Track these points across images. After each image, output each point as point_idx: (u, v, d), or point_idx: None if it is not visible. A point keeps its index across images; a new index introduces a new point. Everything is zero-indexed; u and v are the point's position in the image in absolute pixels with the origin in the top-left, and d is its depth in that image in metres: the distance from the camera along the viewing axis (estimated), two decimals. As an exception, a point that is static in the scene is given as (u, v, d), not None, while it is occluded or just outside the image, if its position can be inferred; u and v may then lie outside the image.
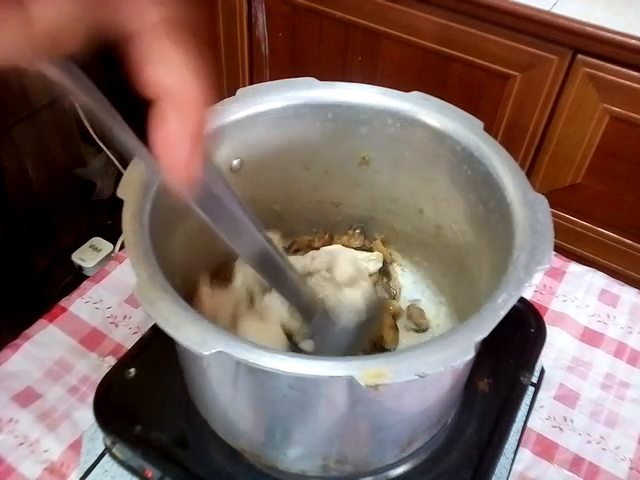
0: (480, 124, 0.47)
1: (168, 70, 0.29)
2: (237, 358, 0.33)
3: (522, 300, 0.58)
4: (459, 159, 0.47)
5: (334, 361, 0.34)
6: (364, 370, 0.32)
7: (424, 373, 0.32)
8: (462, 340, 0.34)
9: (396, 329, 0.55)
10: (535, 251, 0.39)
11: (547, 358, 0.63)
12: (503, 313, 0.35)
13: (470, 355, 0.34)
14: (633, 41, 0.86)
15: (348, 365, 0.33)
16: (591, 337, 0.66)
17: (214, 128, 0.47)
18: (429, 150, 0.49)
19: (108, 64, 0.28)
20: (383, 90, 0.50)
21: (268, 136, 0.50)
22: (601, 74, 0.92)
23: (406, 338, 0.56)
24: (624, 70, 0.90)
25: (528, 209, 0.41)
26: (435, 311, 0.58)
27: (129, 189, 0.41)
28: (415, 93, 0.49)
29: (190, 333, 0.33)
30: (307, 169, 0.55)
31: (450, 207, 0.51)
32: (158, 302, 0.35)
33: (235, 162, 0.50)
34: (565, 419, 0.59)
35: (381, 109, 0.49)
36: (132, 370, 0.52)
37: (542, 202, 0.42)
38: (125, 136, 0.28)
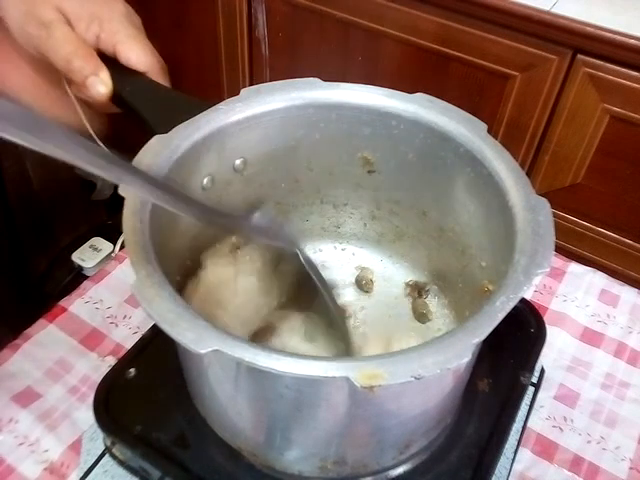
0: (484, 127, 0.47)
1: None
2: (233, 357, 0.33)
3: (522, 300, 0.58)
4: (462, 162, 0.47)
5: (330, 361, 0.34)
6: (360, 371, 0.32)
7: (420, 375, 0.32)
8: (459, 342, 0.34)
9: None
10: (536, 254, 0.39)
11: (547, 358, 0.63)
12: (501, 316, 0.35)
13: (467, 358, 0.33)
14: (633, 41, 0.86)
15: (344, 366, 0.33)
16: (591, 337, 0.66)
17: (217, 127, 0.47)
18: (432, 152, 0.49)
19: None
20: (387, 91, 0.50)
21: (271, 136, 0.50)
22: (601, 74, 0.92)
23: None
24: (624, 70, 0.90)
25: (530, 212, 0.41)
26: (437, 313, 0.58)
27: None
28: (419, 95, 0.49)
29: (187, 331, 0.33)
30: (310, 170, 0.55)
31: (453, 210, 0.51)
32: (156, 299, 0.35)
33: (238, 162, 0.50)
34: (565, 419, 0.59)
35: (385, 110, 0.49)
36: (132, 370, 0.52)
37: (544, 205, 0.42)
38: None
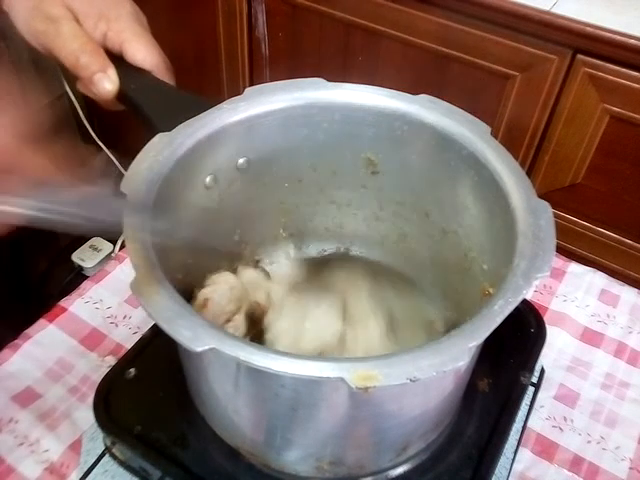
0: (487, 129, 0.47)
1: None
2: (229, 355, 0.33)
3: (522, 300, 0.58)
4: (465, 164, 0.47)
5: (326, 362, 0.33)
6: (355, 372, 0.32)
7: (415, 377, 0.32)
8: (456, 345, 0.34)
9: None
10: (536, 258, 0.38)
11: (547, 358, 0.63)
12: (499, 320, 0.35)
13: (463, 361, 0.33)
14: (633, 41, 0.86)
15: (339, 366, 0.33)
16: (591, 337, 0.66)
17: (221, 126, 0.47)
18: (435, 154, 0.49)
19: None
20: (390, 92, 0.49)
21: (275, 136, 0.50)
22: (601, 74, 0.92)
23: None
24: (624, 70, 0.90)
25: (531, 215, 0.41)
26: (438, 315, 0.57)
27: (132, 184, 0.41)
28: (422, 96, 0.49)
29: (183, 329, 0.33)
30: (314, 170, 0.54)
31: (455, 211, 0.51)
32: (153, 296, 0.35)
33: (241, 161, 0.50)
34: (565, 419, 0.59)
35: (388, 111, 0.49)
36: (132, 370, 0.52)
37: (545, 209, 0.41)
38: None
